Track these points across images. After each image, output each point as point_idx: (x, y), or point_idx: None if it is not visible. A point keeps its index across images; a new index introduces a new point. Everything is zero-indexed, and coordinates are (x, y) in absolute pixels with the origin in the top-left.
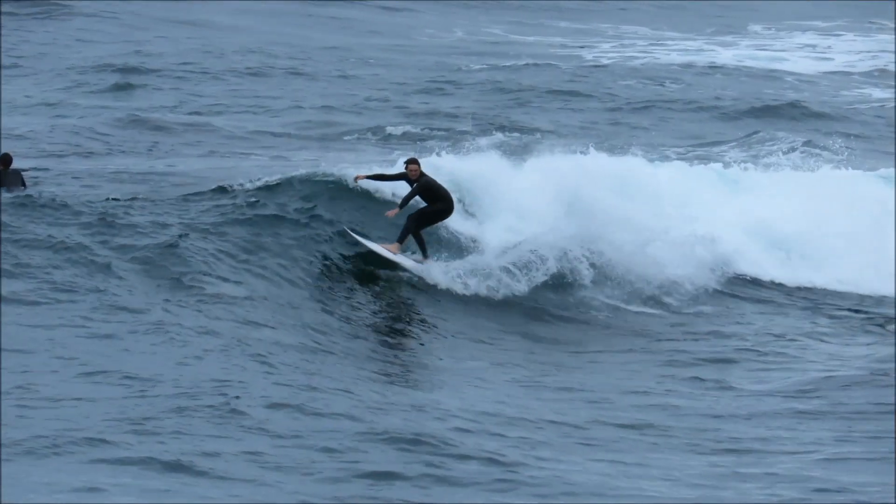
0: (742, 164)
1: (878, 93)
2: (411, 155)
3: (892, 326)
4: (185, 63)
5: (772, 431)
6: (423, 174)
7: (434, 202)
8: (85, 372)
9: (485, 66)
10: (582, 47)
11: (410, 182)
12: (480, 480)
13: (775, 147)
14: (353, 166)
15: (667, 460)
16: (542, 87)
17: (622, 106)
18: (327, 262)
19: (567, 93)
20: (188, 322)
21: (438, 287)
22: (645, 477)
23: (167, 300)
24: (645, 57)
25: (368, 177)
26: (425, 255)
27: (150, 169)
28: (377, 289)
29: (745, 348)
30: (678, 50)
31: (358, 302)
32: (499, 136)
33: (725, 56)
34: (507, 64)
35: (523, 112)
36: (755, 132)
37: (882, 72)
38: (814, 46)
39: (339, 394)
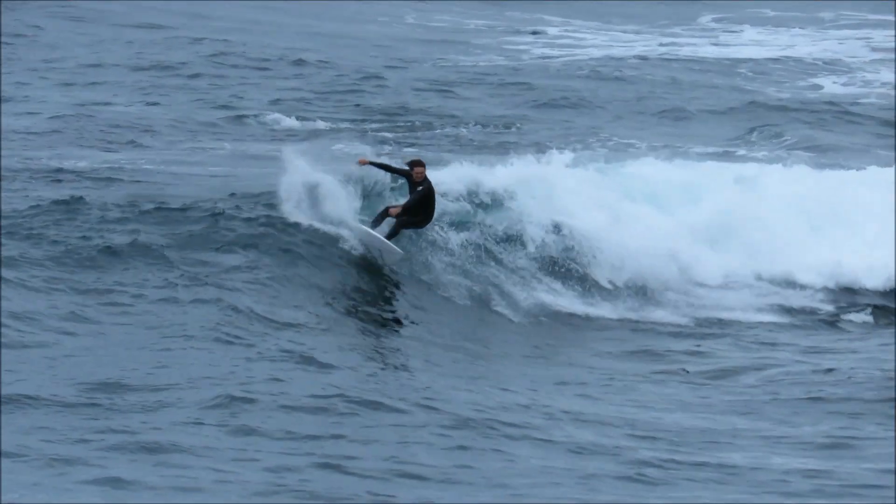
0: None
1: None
2: (417, 157)
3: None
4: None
5: None
6: (426, 178)
7: (425, 210)
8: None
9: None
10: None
11: (412, 183)
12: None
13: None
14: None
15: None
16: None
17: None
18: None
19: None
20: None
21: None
22: None
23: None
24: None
25: (372, 163)
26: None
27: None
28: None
29: None
30: (625, 43)
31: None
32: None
33: (683, 49)
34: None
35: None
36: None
37: (834, 61)
38: (767, 39)
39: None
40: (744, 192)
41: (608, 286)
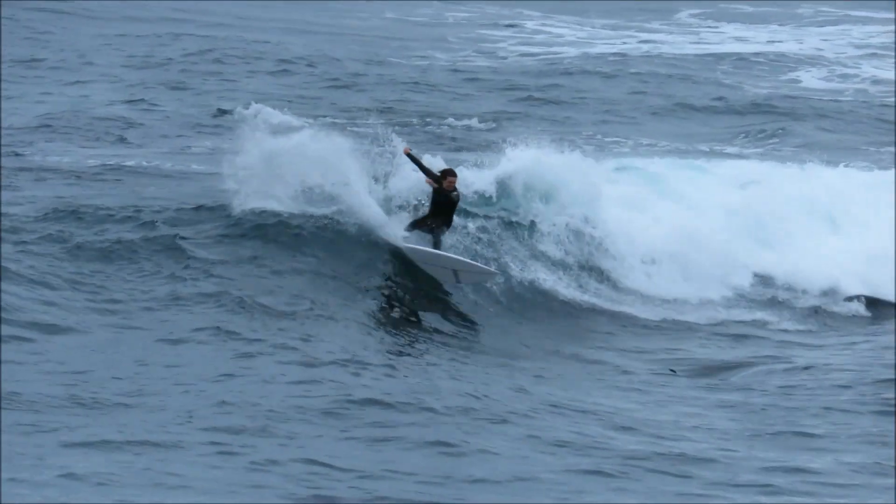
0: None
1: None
2: (451, 167)
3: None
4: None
5: None
6: (456, 188)
7: (446, 216)
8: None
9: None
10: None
11: (441, 191)
12: None
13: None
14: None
15: None
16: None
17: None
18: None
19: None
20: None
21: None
22: None
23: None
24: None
25: (412, 157)
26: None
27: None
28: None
29: None
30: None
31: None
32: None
33: (662, 46)
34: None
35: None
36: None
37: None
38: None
39: None
40: (749, 192)
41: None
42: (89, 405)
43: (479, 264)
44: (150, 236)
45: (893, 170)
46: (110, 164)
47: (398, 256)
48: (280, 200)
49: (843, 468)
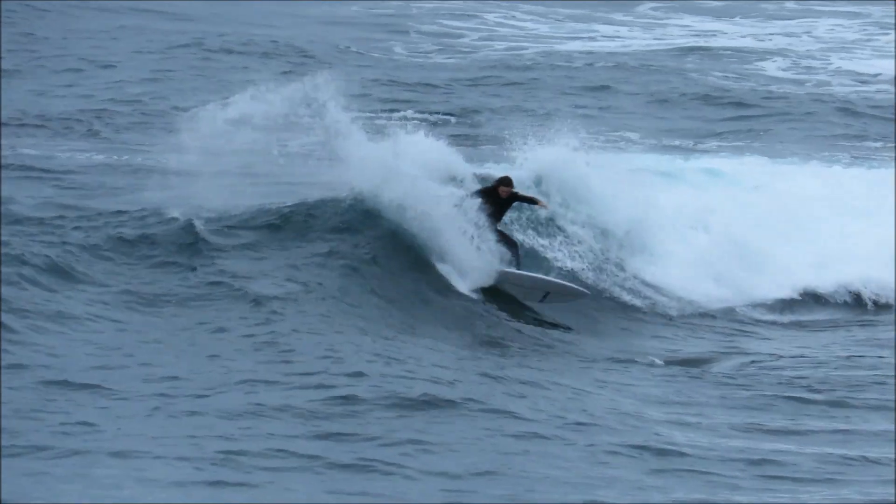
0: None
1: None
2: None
3: None
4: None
5: None
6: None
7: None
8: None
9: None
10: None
11: (497, 197)
12: None
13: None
14: None
15: None
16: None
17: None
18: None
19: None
20: None
21: None
22: None
23: None
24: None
25: (523, 196)
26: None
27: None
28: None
29: None
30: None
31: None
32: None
33: (625, 39)
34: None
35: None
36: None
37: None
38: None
39: None
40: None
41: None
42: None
43: (573, 286)
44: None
45: (893, 169)
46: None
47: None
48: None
49: (808, 459)
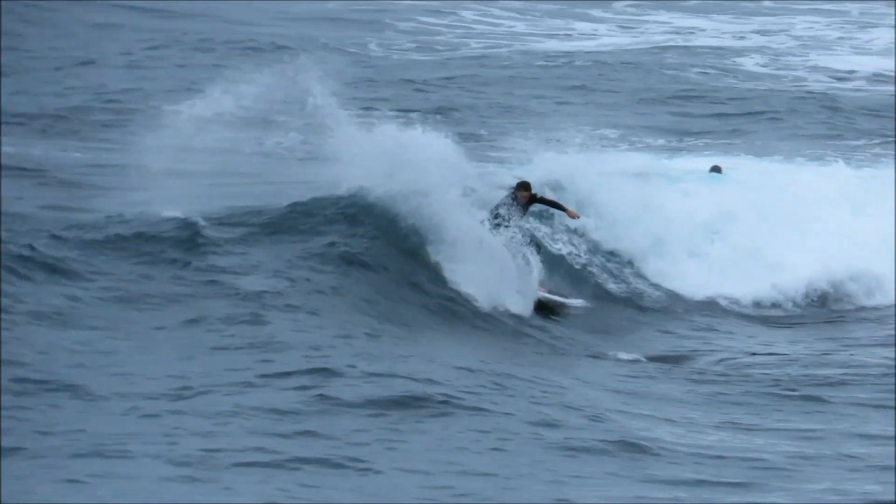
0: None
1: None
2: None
3: None
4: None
5: None
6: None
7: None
8: None
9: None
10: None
11: (519, 203)
12: None
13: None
14: None
15: None
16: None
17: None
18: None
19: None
20: None
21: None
22: None
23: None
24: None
25: (547, 200)
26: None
27: None
28: None
29: None
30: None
31: None
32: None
33: (603, 37)
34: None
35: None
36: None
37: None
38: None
39: None
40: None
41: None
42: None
43: (574, 301)
44: None
45: (893, 168)
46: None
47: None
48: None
49: (780, 456)
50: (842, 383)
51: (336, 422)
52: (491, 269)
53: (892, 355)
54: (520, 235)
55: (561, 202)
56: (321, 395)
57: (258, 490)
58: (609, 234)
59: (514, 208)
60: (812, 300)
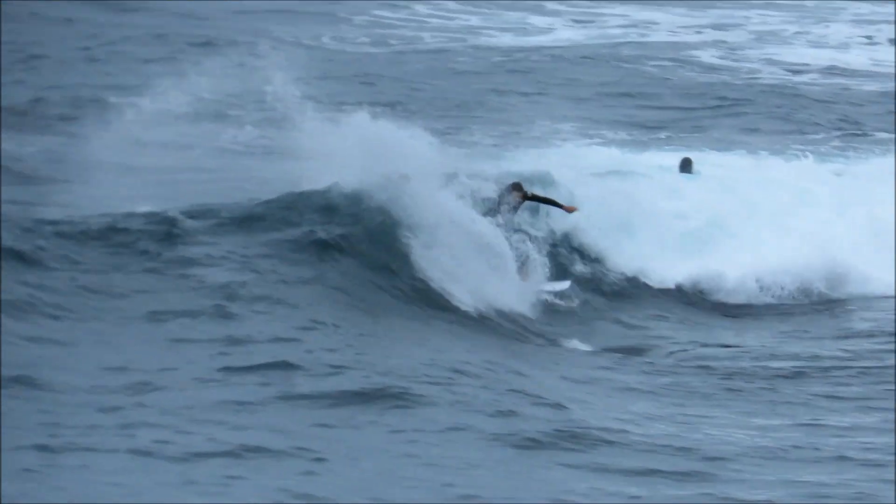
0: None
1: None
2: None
3: None
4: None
5: None
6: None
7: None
8: None
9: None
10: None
11: (512, 204)
12: None
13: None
14: None
15: None
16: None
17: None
18: None
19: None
20: None
21: None
22: None
23: None
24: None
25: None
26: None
27: None
28: None
29: None
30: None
31: None
32: None
33: (558, 31)
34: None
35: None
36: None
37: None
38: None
39: None
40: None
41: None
42: None
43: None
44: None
45: (893, 165)
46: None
47: None
48: None
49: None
50: (796, 375)
51: (293, 414)
52: (474, 256)
53: (848, 348)
54: (509, 224)
55: (553, 197)
56: (279, 387)
57: (212, 481)
58: (570, 222)
59: (504, 207)
60: (774, 293)
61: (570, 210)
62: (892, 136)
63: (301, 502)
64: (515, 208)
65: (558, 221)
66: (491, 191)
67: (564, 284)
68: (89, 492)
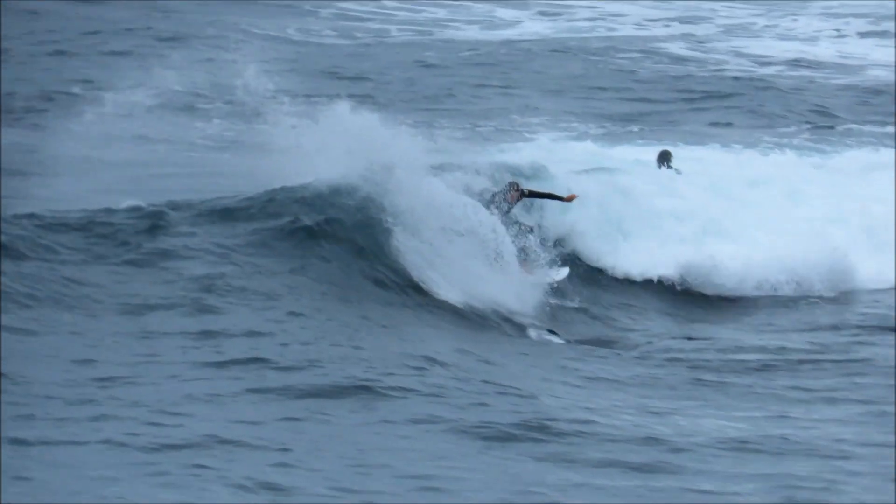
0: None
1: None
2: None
3: None
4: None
5: None
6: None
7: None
8: None
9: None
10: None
11: (509, 203)
12: None
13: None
14: None
15: None
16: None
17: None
18: None
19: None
20: None
21: None
22: None
23: None
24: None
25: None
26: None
27: None
28: None
29: None
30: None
31: None
32: None
33: (525, 24)
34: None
35: None
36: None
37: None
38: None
39: None
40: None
41: None
42: None
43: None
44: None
45: (894, 161)
46: None
47: None
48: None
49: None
50: (763, 368)
51: (263, 407)
52: (459, 247)
53: (814, 341)
54: (505, 220)
55: (550, 191)
56: (251, 381)
57: (182, 472)
58: (542, 214)
59: (504, 206)
60: (746, 287)
61: (569, 199)
62: (863, 128)
63: (267, 492)
64: (511, 206)
65: (547, 217)
66: (482, 184)
67: (564, 272)
68: (62, 484)
